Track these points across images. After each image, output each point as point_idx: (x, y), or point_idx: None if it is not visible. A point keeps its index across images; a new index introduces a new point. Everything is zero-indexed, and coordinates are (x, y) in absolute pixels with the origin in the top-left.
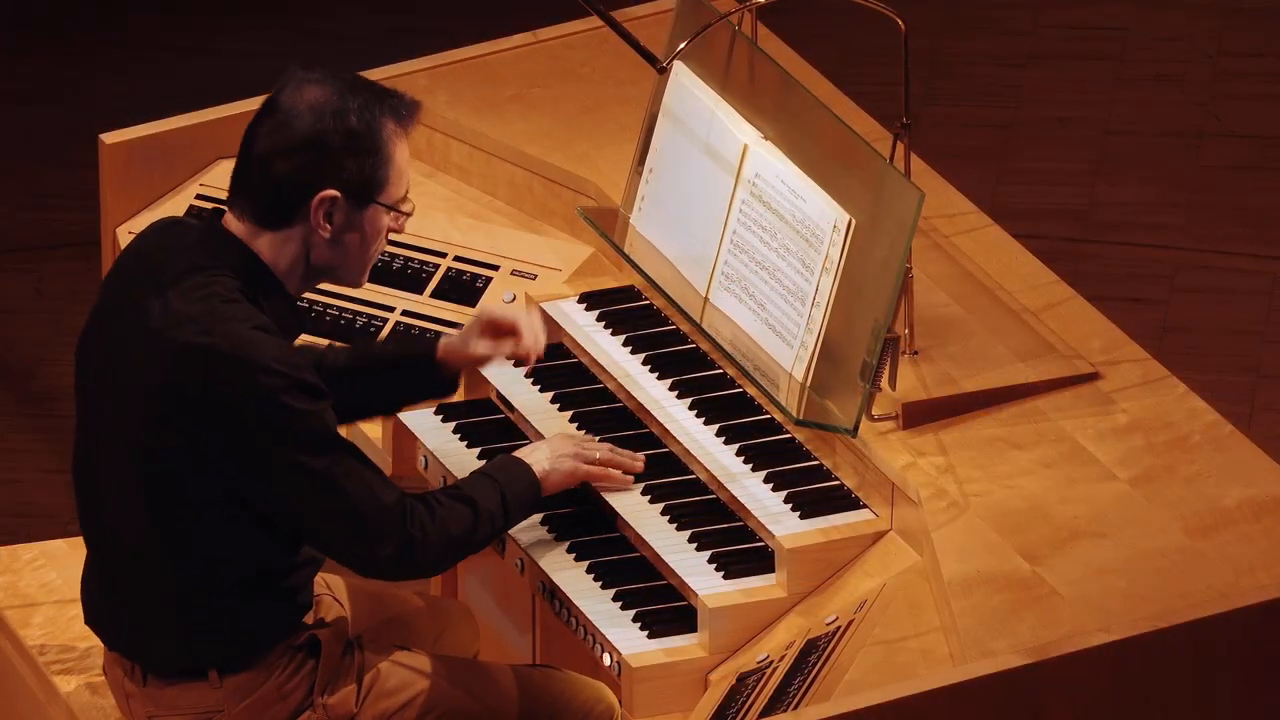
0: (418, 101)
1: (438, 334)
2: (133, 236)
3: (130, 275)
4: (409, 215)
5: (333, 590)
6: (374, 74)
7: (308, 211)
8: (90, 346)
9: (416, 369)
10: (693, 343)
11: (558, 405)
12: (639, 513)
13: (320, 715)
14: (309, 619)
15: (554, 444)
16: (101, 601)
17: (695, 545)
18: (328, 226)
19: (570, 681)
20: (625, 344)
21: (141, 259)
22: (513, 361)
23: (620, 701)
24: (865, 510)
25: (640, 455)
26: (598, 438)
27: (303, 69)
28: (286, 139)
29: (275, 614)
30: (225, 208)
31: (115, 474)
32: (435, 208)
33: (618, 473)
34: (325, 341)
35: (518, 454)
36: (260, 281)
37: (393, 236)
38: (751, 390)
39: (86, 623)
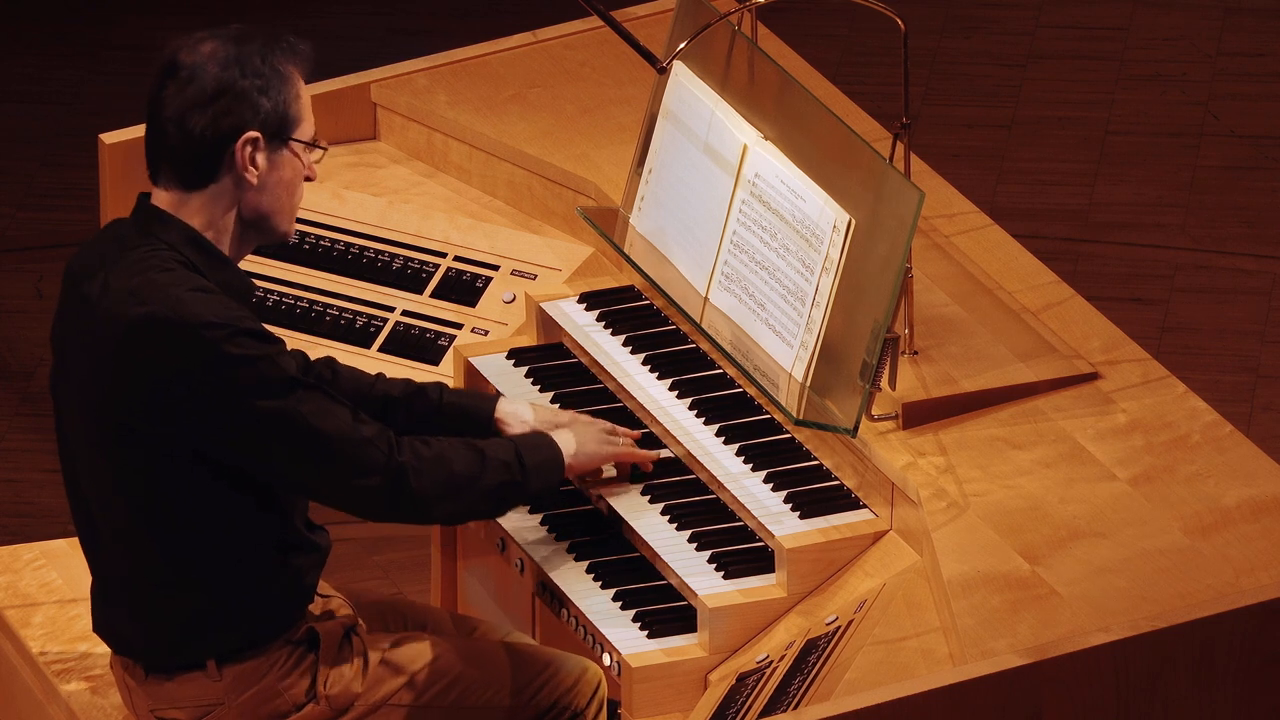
0: (306, 43)
1: (497, 393)
2: None
3: (75, 273)
4: (325, 150)
5: (346, 597)
6: (374, 74)
7: (232, 160)
8: (54, 352)
9: (469, 424)
10: (693, 343)
11: (558, 405)
12: (639, 513)
13: (323, 707)
14: (312, 613)
15: (577, 428)
16: (102, 605)
17: (695, 545)
18: (254, 170)
19: (556, 654)
20: (625, 344)
21: (85, 255)
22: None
23: (620, 704)
24: (865, 510)
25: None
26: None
27: (188, 35)
28: (197, 94)
29: (272, 602)
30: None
31: (93, 470)
32: (435, 208)
33: (641, 452)
34: (329, 346)
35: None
36: (197, 249)
37: (390, 235)
38: (751, 390)
39: (94, 630)
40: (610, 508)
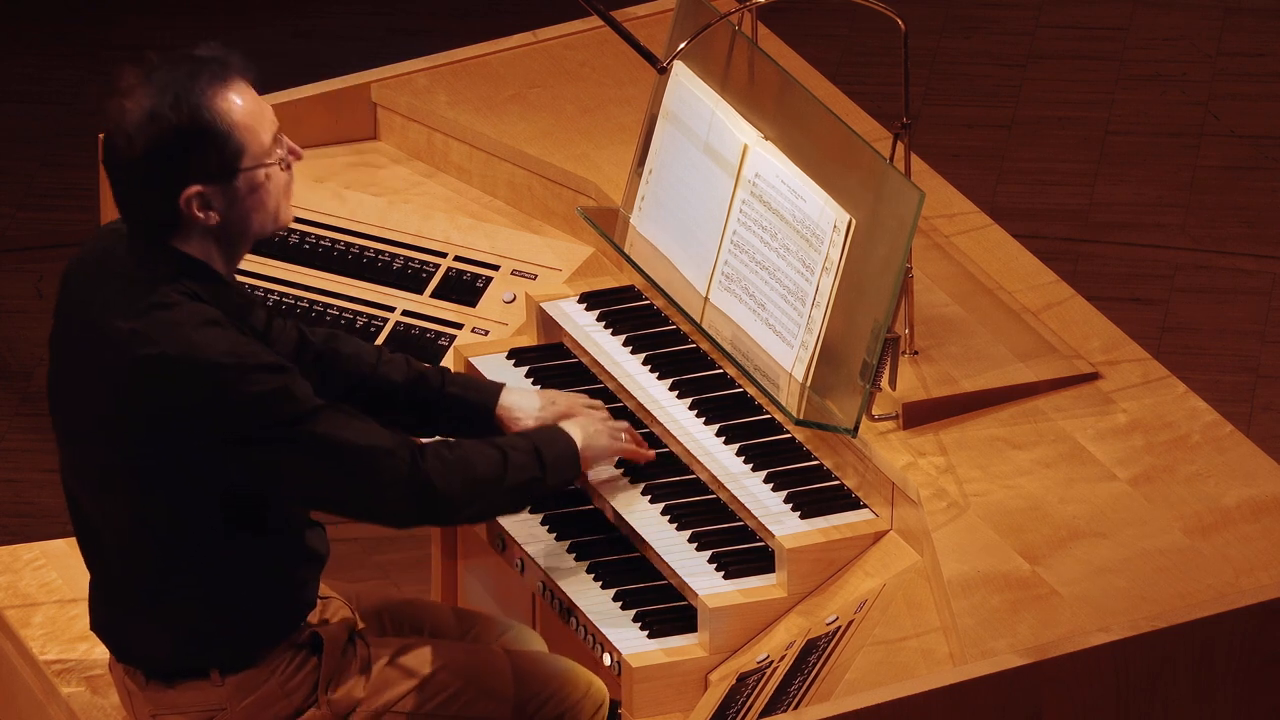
0: (232, 54)
1: (500, 384)
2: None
3: (76, 295)
4: (288, 153)
5: (345, 597)
6: (374, 74)
7: (184, 214)
8: (55, 368)
9: (470, 417)
10: (693, 343)
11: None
12: (639, 513)
13: (325, 712)
14: (313, 618)
15: (585, 422)
16: (102, 608)
17: (695, 545)
18: (211, 214)
19: (565, 666)
20: (625, 344)
21: (85, 274)
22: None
23: (620, 704)
24: (865, 510)
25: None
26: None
27: (127, 74)
28: (129, 161)
29: (275, 613)
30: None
31: (98, 489)
32: (435, 208)
33: (645, 451)
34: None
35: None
36: (195, 274)
37: (390, 235)
38: (751, 390)
39: (91, 629)
40: (611, 508)
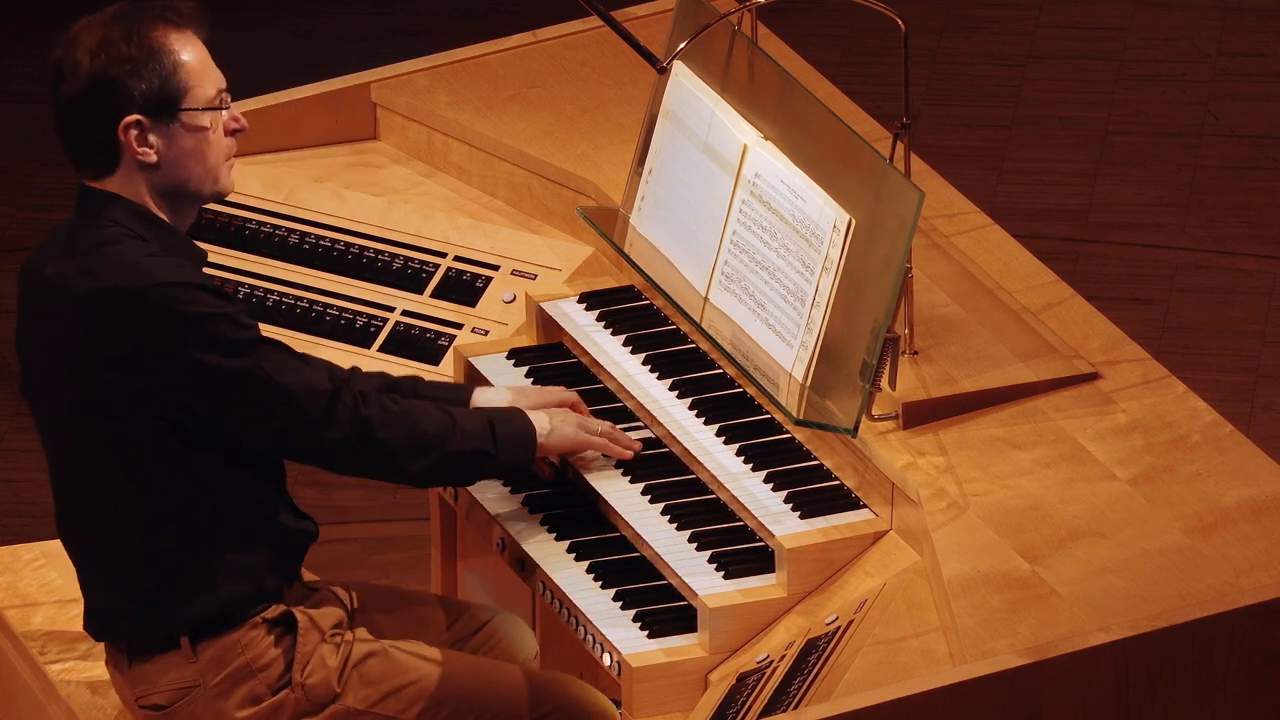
0: (190, 6)
1: (473, 387)
2: None
3: (30, 271)
4: (229, 108)
5: (342, 592)
6: (374, 74)
7: (123, 146)
8: (20, 357)
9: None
10: (693, 343)
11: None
12: (639, 513)
13: (299, 695)
14: (294, 603)
15: (556, 412)
16: (87, 594)
17: (695, 545)
18: (147, 151)
19: (573, 686)
20: (625, 344)
21: (37, 253)
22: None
23: (620, 704)
24: (865, 510)
25: (637, 443)
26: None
27: (68, 28)
28: (74, 88)
29: (244, 573)
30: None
31: (68, 452)
32: (435, 208)
33: (617, 446)
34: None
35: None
36: (142, 221)
37: (390, 235)
38: (751, 390)
39: (85, 628)
40: (611, 508)
